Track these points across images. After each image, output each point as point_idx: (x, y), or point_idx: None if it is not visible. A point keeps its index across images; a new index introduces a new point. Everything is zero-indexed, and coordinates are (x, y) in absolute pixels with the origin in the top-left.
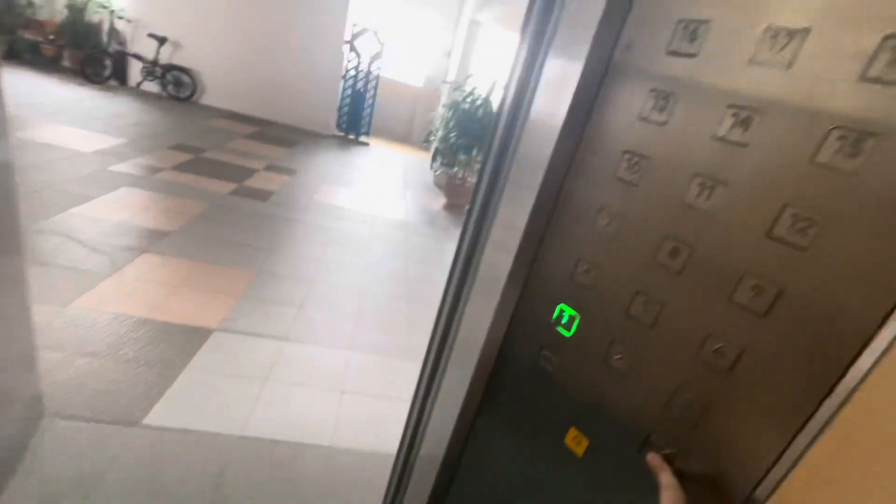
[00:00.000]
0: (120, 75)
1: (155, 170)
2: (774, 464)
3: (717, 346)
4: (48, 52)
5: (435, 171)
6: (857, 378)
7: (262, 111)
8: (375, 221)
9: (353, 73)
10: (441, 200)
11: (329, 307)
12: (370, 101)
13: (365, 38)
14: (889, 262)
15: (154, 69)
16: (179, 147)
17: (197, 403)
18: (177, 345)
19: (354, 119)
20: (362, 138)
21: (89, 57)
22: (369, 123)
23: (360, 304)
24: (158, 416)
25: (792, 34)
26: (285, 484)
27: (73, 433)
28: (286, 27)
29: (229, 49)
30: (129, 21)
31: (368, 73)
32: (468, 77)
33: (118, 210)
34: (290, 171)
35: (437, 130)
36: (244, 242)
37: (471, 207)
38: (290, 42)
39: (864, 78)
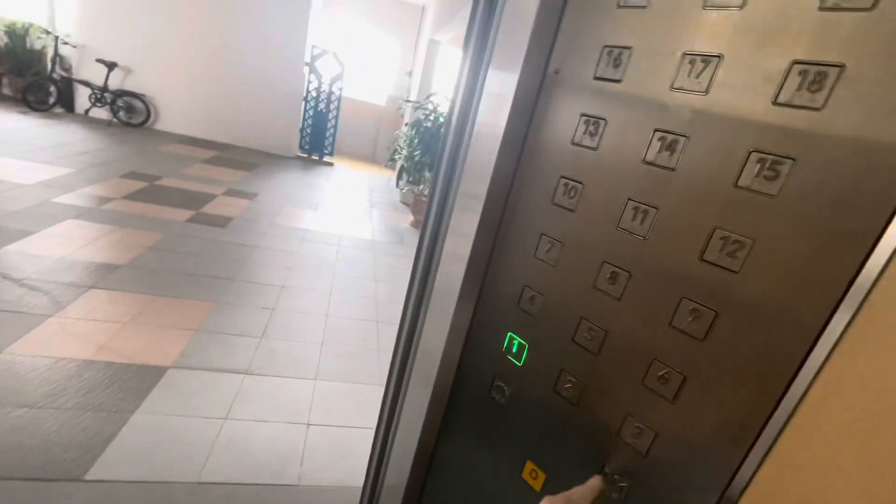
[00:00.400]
0: (66, 102)
1: (104, 200)
2: (722, 495)
3: (662, 372)
4: None
5: (401, 189)
6: (794, 401)
7: (221, 135)
8: (342, 242)
9: (314, 94)
10: (408, 218)
11: (293, 335)
12: (333, 121)
13: (325, 60)
14: (817, 274)
15: (103, 95)
16: (132, 175)
17: (147, 451)
18: (126, 387)
19: (317, 139)
20: (326, 158)
21: (32, 84)
22: (332, 143)
23: (326, 329)
24: (103, 468)
25: (707, 60)
26: None
27: (5, 495)
28: (244, 50)
29: (185, 73)
30: (74, 46)
31: (330, 93)
32: (430, 95)
33: (61, 245)
34: (250, 195)
35: (402, 149)
36: (201, 272)
37: (425, 218)
38: (248, 65)
39: (775, 102)
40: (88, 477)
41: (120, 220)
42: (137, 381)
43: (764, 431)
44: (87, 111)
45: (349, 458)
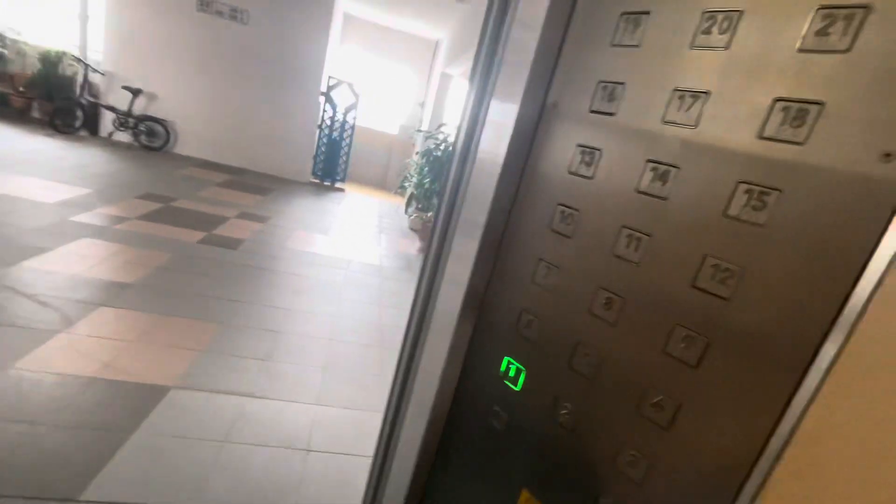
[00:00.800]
0: (91, 126)
1: (120, 220)
2: None
3: (656, 399)
4: (17, 103)
5: (410, 216)
6: (786, 432)
7: (237, 160)
8: (350, 267)
9: (328, 122)
10: (416, 244)
11: (297, 359)
12: (346, 148)
13: (340, 90)
14: (805, 302)
15: (127, 120)
16: (148, 196)
17: (144, 472)
18: (127, 406)
19: (330, 166)
20: (338, 184)
21: (60, 108)
22: (345, 170)
23: (331, 354)
24: (99, 489)
25: (696, 96)
26: None
27: None
28: (264, 81)
29: (205, 101)
30: (102, 74)
31: (344, 122)
32: (441, 126)
33: (75, 262)
34: (262, 219)
35: (412, 176)
36: (209, 293)
37: (429, 243)
38: (267, 94)
39: (761, 136)
40: (83, 497)
41: (133, 240)
42: (139, 400)
43: (758, 463)
44: (110, 134)
45: (347, 487)
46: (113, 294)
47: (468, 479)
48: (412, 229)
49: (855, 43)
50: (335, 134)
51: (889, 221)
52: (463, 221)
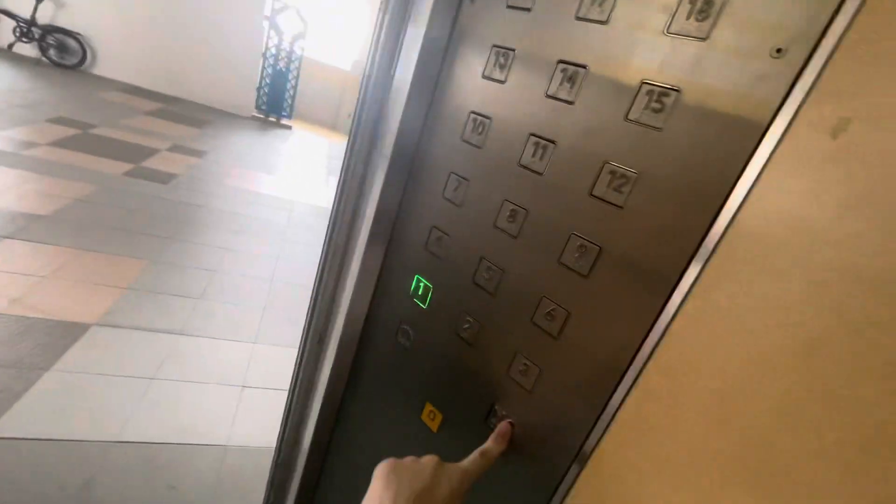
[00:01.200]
0: None
1: (28, 145)
2: (595, 423)
3: (549, 308)
4: None
5: None
6: (659, 333)
7: (169, 87)
8: (294, 208)
9: (273, 51)
10: None
11: (234, 299)
12: (293, 81)
13: (287, 15)
14: (680, 223)
15: (30, 30)
16: (61, 121)
17: (61, 409)
18: (41, 343)
19: (275, 100)
20: (284, 121)
21: None
22: (291, 106)
23: (270, 295)
24: (9, 425)
25: None
26: (167, 490)
27: None
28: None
29: (129, 13)
30: None
31: (291, 52)
32: None
33: None
34: (198, 153)
35: None
36: (136, 229)
37: (343, 166)
38: (202, 11)
39: (666, 32)
40: None
41: (45, 168)
42: (55, 337)
43: (632, 364)
44: (10, 46)
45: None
46: (22, 227)
47: (377, 399)
48: None
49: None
50: (281, 65)
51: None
52: (376, 142)
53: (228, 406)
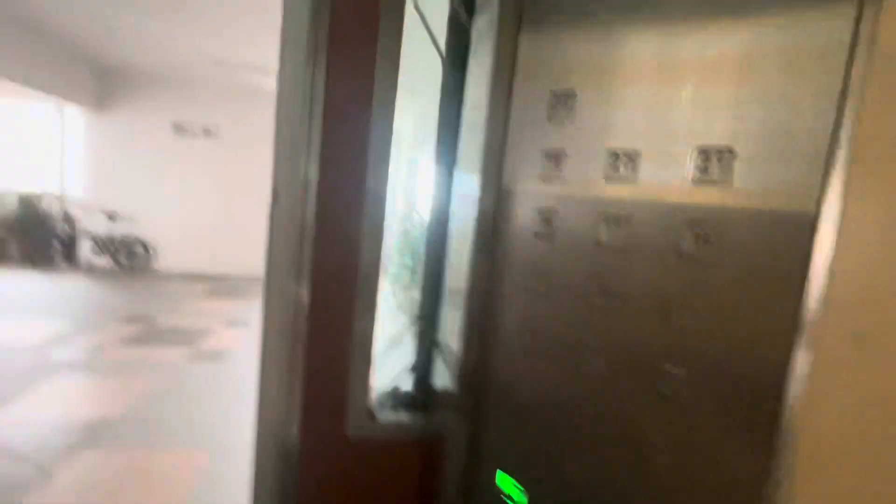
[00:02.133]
0: (70, 256)
1: (97, 349)
2: None
3: None
4: None
5: (394, 296)
6: None
7: (214, 267)
8: None
9: None
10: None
11: None
12: None
13: None
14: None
15: (106, 245)
16: (129, 319)
17: None
18: None
19: None
20: None
21: (35, 243)
22: None
23: None
24: None
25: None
26: None
27: None
28: (237, 186)
29: (188, 220)
30: (80, 205)
31: None
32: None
33: (52, 403)
34: (246, 323)
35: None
36: (195, 418)
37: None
38: (246, 198)
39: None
40: None
41: (114, 368)
42: None
43: None
44: (89, 262)
45: None
46: (90, 434)
47: None
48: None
49: None
50: None
51: None
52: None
53: None
